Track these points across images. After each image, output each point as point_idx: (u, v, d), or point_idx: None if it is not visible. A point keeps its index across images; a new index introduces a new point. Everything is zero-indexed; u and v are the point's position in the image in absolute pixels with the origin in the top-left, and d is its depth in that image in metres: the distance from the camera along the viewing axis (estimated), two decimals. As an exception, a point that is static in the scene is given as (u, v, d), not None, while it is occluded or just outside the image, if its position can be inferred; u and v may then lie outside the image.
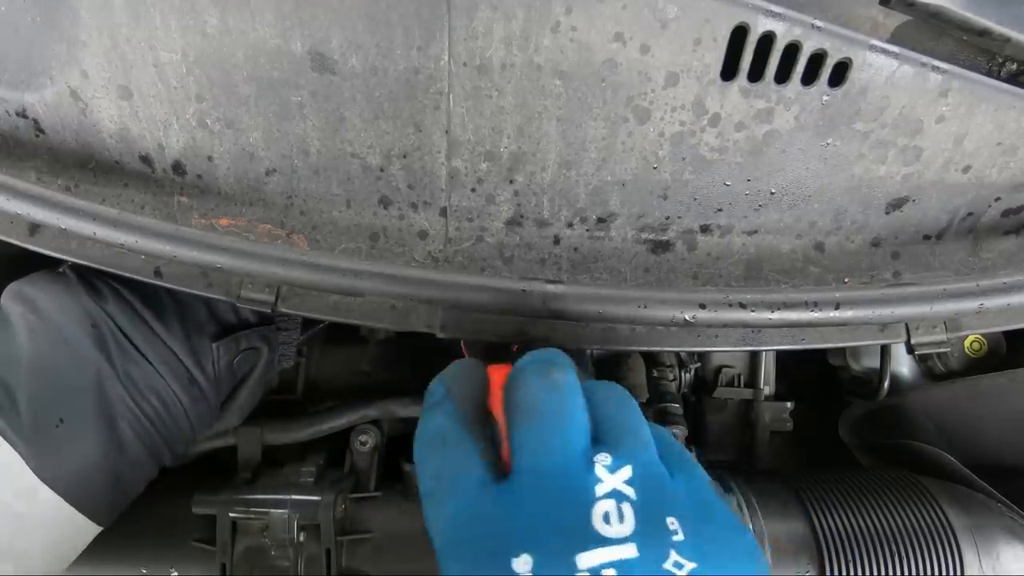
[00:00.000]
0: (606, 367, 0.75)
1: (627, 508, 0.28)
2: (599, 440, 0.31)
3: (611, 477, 0.29)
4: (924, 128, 0.50)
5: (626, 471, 0.29)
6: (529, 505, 0.28)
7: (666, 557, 0.26)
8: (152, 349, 0.54)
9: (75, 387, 0.50)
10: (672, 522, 0.28)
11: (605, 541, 0.26)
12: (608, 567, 0.25)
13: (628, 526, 0.27)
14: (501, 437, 0.33)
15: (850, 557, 0.58)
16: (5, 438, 0.47)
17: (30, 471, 0.47)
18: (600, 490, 0.28)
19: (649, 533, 0.27)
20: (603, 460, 0.29)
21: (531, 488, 0.29)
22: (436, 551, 0.29)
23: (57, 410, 0.49)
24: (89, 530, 0.52)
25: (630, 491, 0.28)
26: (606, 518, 0.27)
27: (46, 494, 0.48)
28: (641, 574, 0.25)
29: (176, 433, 0.56)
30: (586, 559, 0.26)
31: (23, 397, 0.49)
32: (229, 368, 0.59)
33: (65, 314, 0.51)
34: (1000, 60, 0.53)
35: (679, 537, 0.27)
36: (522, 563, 0.26)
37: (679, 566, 0.26)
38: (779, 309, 0.49)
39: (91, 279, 0.54)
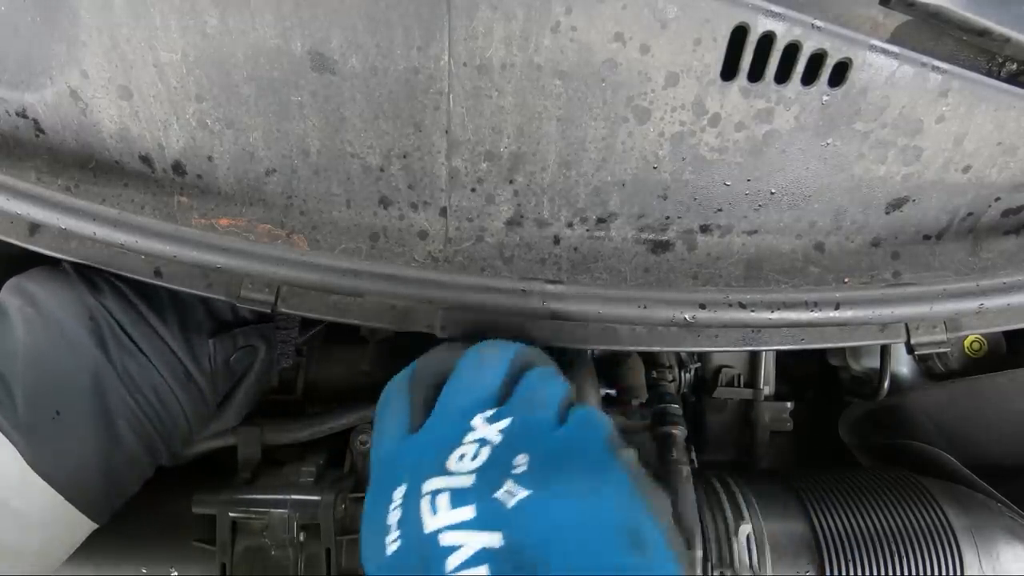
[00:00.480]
0: (606, 367, 0.75)
1: (485, 450, 0.33)
2: (503, 403, 0.37)
3: (487, 427, 0.34)
4: (924, 128, 0.50)
5: (504, 423, 0.34)
6: (417, 452, 0.35)
7: (499, 487, 0.31)
8: (149, 345, 0.54)
9: (71, 381, 0.50)
10: (521, 459, 0.32)
11: (449, 473, 0.32)
12: (444, 492, 0.31)
13: (477, 463, 0.32)
14: None
15: (850, 557, 0.58)
16: (1, 431, 0.47)
17: (25, 464, 0.47)
18: (469, 437, 0.34)
19: (490, 467, 0.32)
20: (486, 414, 0.35)
21: (425, 437, 0.35)
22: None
23: (53, 403, 0.49)
24: (84, 527, 0.51)
25: (497, 438, 0.34)
26: (461, 457, 0.33)
27: (41, 488, 0.48)
28: (473, 500, 0.30)
29: (173, 430, 0.56)
30: (430, 484, 0.31)
31: (19, 390, 0.49)
32: (226, 366, 0.59)
33: (63, 308, 0.51)
34: (1000, 60, 0.53)
35: (521, 470, 0.31)
36: (399, 491, 0.32)
37: (510, 494, 0.30)
38: (779, 309, 0.49)
39: (90, 275, 0.54)
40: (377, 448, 0.38)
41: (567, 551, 0.28)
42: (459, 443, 0.34)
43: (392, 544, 0.31)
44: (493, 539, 0.29)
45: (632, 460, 0.35)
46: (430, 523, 0.30)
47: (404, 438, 0.36)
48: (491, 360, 0.39)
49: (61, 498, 0.48)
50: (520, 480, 0.31)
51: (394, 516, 0.32)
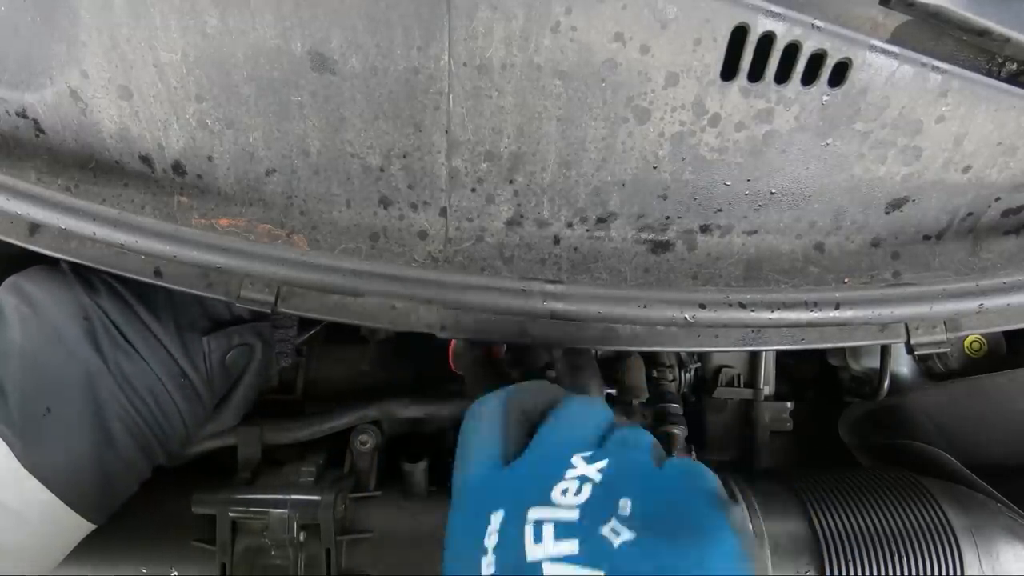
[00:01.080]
0: (606, 367, 0.75)
1: (587, 487, 0.33)
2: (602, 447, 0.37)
3: (586, 467, 0.34)
4: (924, 128, 0.50)
5: (602, 463, 0.34)
6: (517, 481, 0.35)
7: (604, 524, 0.30)
8: (144, 344, 0.54)
9: (64, 379, 0.50)
10: (625, 502, 0.32)
11: (555, 505, 0.32)
12: (549, 523, 0.31)
13: (581, 498, 0.32)
14: None
15: (850, 557, 0.58)
16: None
17: (17, 461, 0.47)
18: (570, 474, 0.34)
19: (596, 505, 0.32)
20: (585, 455, 0.35)
21: (524, 471, 0.35)
22: (451, 503, 0.37)
23: (45, 400, 0.49)
24: (79, 527, 0.51)
25: (598, 476, 0.33)
26: (564, 491, 0.33)
27: (33, 485, 0.48)
28: (579, 535, 0.30)
29: (169, 430, 0.56)
30: (534, 513, 0.31)
31: (12, 387, 0.49)
32: (222, 365, 0.59)
33: (57, 306, 0.51)
34: (1000, 60, 0.53)
35: (626, 512, 0.31)
36: (496, 516, 0.32)
37: (615, 533, 0.30)
38: (779, 309, 0.49)
39: (86, 274, 0.54)
40: (465, 472, 0.38)
41: None
42: (561, 478, 0.33)
43: (488, 568, 0.31)
44: (599, 572, 0.29)
45: (741, 518, 0.34)
46: (533, 552, 0.30)
47: (499, 467, 0.36)
48: (596, 411, 0.39)
49: (54, 496, 0.48)
50: (625, 521, 0.31)
51: (491, 540, 0.31)
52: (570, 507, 0.31)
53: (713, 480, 0.35)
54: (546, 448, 0.36)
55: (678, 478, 0.34)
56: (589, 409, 0.39)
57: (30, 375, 0.50)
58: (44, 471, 0.48)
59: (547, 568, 0.29)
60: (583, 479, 0.33)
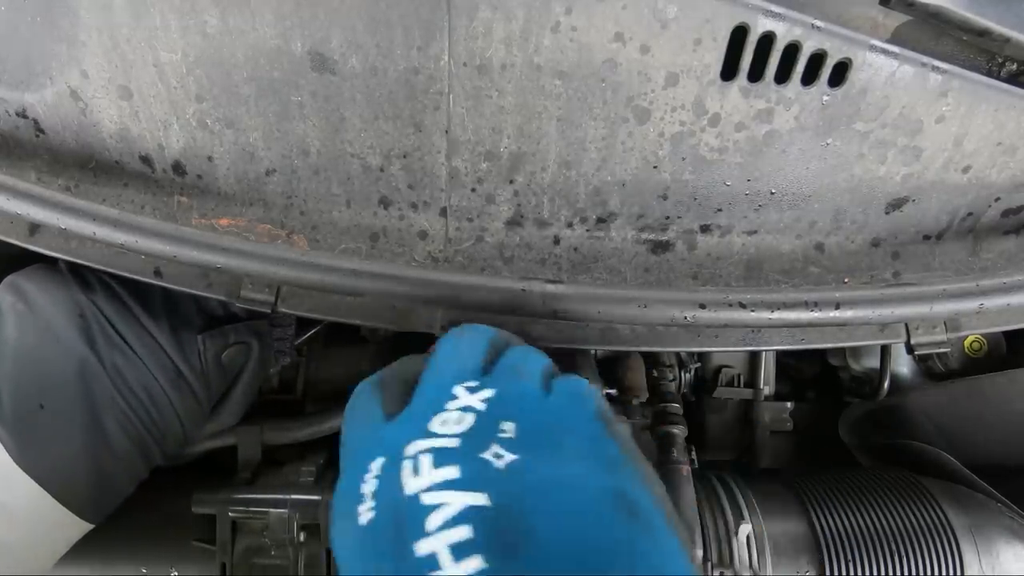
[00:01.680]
0: (606, 366, 0.75)
1: (470, 416, 0.32)
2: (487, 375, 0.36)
3: (470, 396, 0.33)
4: (924, 128, 0.50)
5: (487, 392, 0.33)
6: (397, 427, 0.33)
7: (485, 448, 0.29)
8: (140, 343, 0.54)
9: (59, 376, 0.50)
10: (508, 425, 0.31)
11: (433, 435, 0.30)
12: (427, 453, 0.29)
13: (462, 427, 0.31)
14: None
15: (850, 557, 0.58)
16: None
17: (8, 457, 0.47)
18: (452, 405, 0.33)
19: (477, 431, 0.31)
20: (469, 385, 0.34)
21: (406, 414, 0.34)
22: None
23: (39, 397, 0.49)
24: (74, 525, 0.51)
25: (482, 406, 0.32)
26: (444, 422, 0.31)
27: (26, 483, 0.47)
28: (459, 460, 0.29)
29: (165, 429, 0.56)
30: (411, 448, 0.30)
31: (6, 385, 0.49)
32: (218, 363, 0.59)
33: (53, 303, 0.51)
34: (1000, 60, 0.53)
35: (508, 436, 0.30)
36: (376, 464, 0.30)
37: (498, 456, 0.29)
38: (779, 309, 0.49)
39: (83, 272, 0.54)
40: (347, 441, 0.36)
41: (556, 514, 0.27)
42: (442, 409, 0.32)
43: (366, 514, 0.29)
44: (478, 499, 0.27)
45: (625, 433, 0.34)
46: (411, 484, 0.28)
47: (380, 425, 0.34)
48: (470, 338, 0.38)
49: (46, 494, 0.48)
50: (507, 444, 0.30)
51: (369, 487, 0.30)
52: (451, 436, 0.30)
53: (596, 398, 0.35)
54: (426, 388, 0.35)
55: (563, 400, 0.34)
56: (471, 339, 0.38)
57: (24, 372, 0.49)
58: (38, 469, 0.48)
59: (426, 497, 0.27)
60: (466, 409, 0.32)
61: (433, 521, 0.26)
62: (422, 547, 0.26)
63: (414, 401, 0.35)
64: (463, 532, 0.26)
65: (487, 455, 0.29)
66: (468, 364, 0.36)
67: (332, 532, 0.31)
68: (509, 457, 0.29)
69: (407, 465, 0.29)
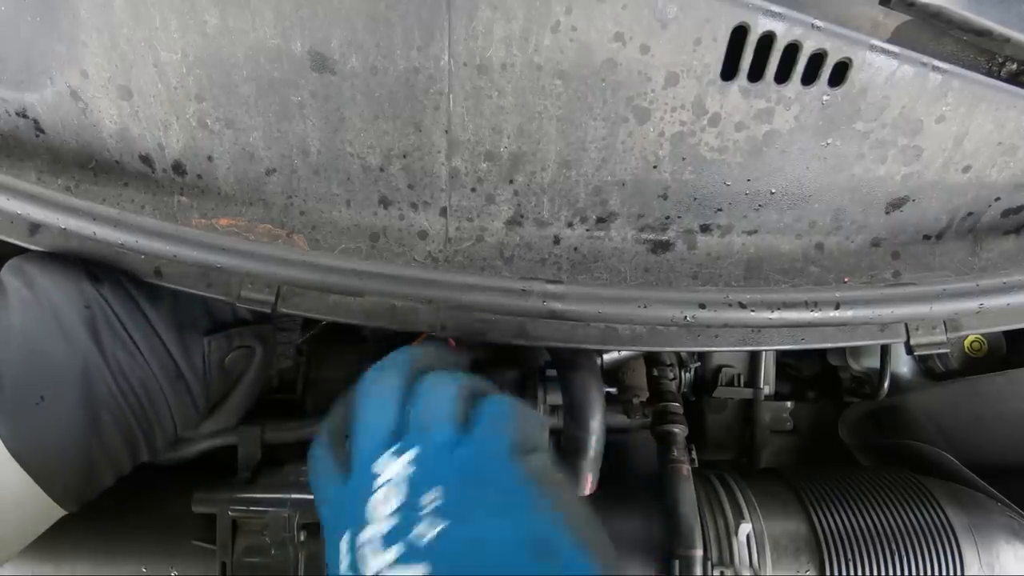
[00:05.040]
0: (607, 365, 0.75)
1: (396, 490, 0.36)
2: (404, 431, 0.40)
3: (393, 465, 0.37)
4: (924, 128, 0.50)
5: (411, 453, 0.38)
6: (348, 501, 0.38)
7: (416, 523, 0.34)
8: (143, 338, 0.53)
9: (61, 367, 0.50)
10: (434, 493, 0.35)
11: (374, 520, 0.36)
12: (373, 541, 0.35)
13: (392, 505, 0.36)
14: None
15: (850, 557, 0.58)
16: None
17: (1, 443, 0.47)
18: (379, 482, 0.37)
19: (406, 508, 0.35)
20: (390, 451, 0.38)
21: (350, 485, 0.39)
22: None
23: (39, 387, 0.49)
24: (51, 512, 0.51)
25: (405, 472, 0.37)
26: (382, 501, 0.36)
27: (12, 468, 0.47)
28: (396, 541, 0.34)
29: (156, 427, 0.55)
30: (363, 536, 0.35)
31: (8, 371, 0.48)
32: (220, 366, 0.59)
33: (59, 292, 0.51)
34: (1000, 60, 0.53)
35: (437, 503, 0.35)
36: (344, 541, 0.37)
37: (430, 526, 0.34)
38: (779, 309, 0.49)
39: (93, 265, 0.54)
40: (322, 497, 0.43)
41: (486, 572, 0.32)
42: (374, 488, 0.37)
43: None
44: (420, 570, 0.33)
45: (539, 464, 0.38)
46: (370, 566, 0.34)
47: (339, 489, 0.40)
48: (381, 393, 0.42)
49: (30, 480, 0.48)
50: (433, 514, 0.35)
51: (344, 563, 0.36)
52: (387, 516, 0.35)
53: (510, 428, 0.39)
54: (357, 462, 0.40)
55: (476, 442, 0.38)
56: (376, 399, 0.42)
57: (27, 359, 0.49)
58: (26, 455, 0.48)
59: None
60: (391, 482, 0.37)
61: None
62: None
63: (353, 473, 0.40)
64: None
65: (419, 529, 0.34)
66: (382, 431, 0.40)
67: None
68: (438, 526, 0.34)
69: (361, 551, 0.35)
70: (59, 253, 0.54)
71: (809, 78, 0.48)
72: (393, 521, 0.35)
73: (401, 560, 0.33)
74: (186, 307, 0.57)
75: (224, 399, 0.63)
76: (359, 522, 0.36)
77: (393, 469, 0.37)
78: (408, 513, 0.35)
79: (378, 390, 0.42)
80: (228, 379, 0.61)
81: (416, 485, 0.36)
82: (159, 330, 0.54)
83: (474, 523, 0.34)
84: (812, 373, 0.90)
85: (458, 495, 0.36)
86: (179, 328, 0.56)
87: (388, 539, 0.35)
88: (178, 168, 0.53)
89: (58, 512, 0.51)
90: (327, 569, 0.39)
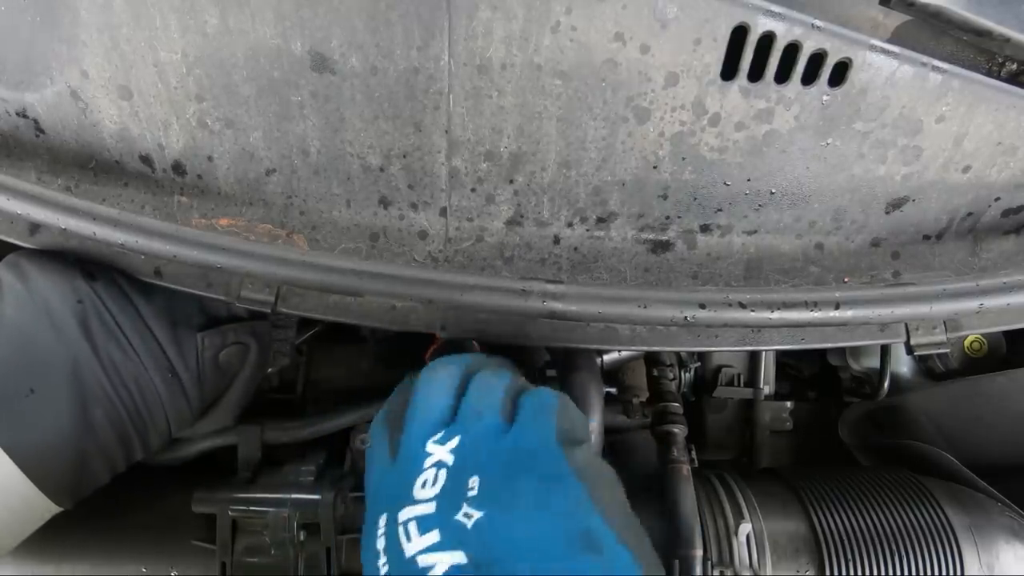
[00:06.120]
0: (607, 365, 0.75)
1: (442, 473, 0.37)
2: (454, 419, 0.41)
3: (440, 449, 0.38)
4: (924, 128, 0.50)
5: (453, 441, 0.38)
6: (392, 481, 0.39)
7: (458, 508, 0.35)
8: (136, 335, 0.53)
9: (51, 361, 0.50)
10: (474, 481, 0.36)
11: (416, 501, 0.36)
12: (412, 520, 0.35)
13: (436, 488, 0.36)
14: None
15: (850, 557, 0.58)
16: None
17: None
18: (428, 463, 0.38)
19: (448, 491, 0.36)
20: (437, 437, 0.39)
21: (397, 467, 0.40)
22: None
23: (29, 380, 0.49)
24: (45, 509, 0.51)
25: (450, 458, 0.38)
26: (424, 483, 0.37)
27: (4, 462, 0.47)
28: (437, 525, 0.34)
29: (150, 424, 0.55)
30: (403, 514, 0.36)
31: None
32: (214, 363, 0.59)
33: (52, 287, 0.51)
34: (1000, 60, 0.53)
35: (474, 492, 0.35)
36: (383, 519, 0.37)
37: (468, 516, 0.34)
38: (779, 309, 0.49)
39: (87, 262, 0.54)
40: (368, 478, 0.44)
41: (525, 561, 0.32)
42: (421, 470, 0.38)
43: (383, 567, 0.36)
44: (458, 557, 0.33)
45: (584, 456, 0.38)
46: (408, 548, 0.34)
47: (385, 470, 0.41)
48: (439, 381, 0.43)
49: (23, 475, 0.48)
50: (475, 502, 0.35)
51: (381, 543, 0.36)
52: (428, 500, 0.36)
53: (557, 418, 0.39)
54: (408, 443, 0.40)
55: (522, 431, 0.38)
56: (440, 382, 0.42)
57: (17, 353, 0.49)
58: (18, 450, 0.48)
59: (421, 559, 0.34)
60: (439, 465, 0.37)
61: None
62: None
63: (401, 453, 0.40)
64: None
65: (459, 516, 0.34)
66: (435, 415, 0.41)
67: (364, 566, 0.38)
68: (476, 515, 0.34)
69: (401, 531, 0.35)
70: (56, 250, 0.54)
71: (809, 78, 0.48)
72: (434, 504, 0.35)
73: (441, 545, 0.33)
74: (180, 303, 0.57)
75: (221, 397, 0.63)
76: (400, 501, 0.36)
77: (440, 454, 0.38)
78: (450, 498, 0.35)
79: (435, 379, 0.43)
80: (223, 376, 0.61)
81: (460, 470, 0.37)
82: (152, 326, 0.54)
83: (516, 511, 0.34)
84: (812, 373, 0.90)
85: (501, 483, 0.36)
86: (172, 324, 0.56)
87: (429, 521, 0.35)
88: (178, 168, 0.53)
89: (51, 508, 0.51)
90: (361, 552, 0.38)
